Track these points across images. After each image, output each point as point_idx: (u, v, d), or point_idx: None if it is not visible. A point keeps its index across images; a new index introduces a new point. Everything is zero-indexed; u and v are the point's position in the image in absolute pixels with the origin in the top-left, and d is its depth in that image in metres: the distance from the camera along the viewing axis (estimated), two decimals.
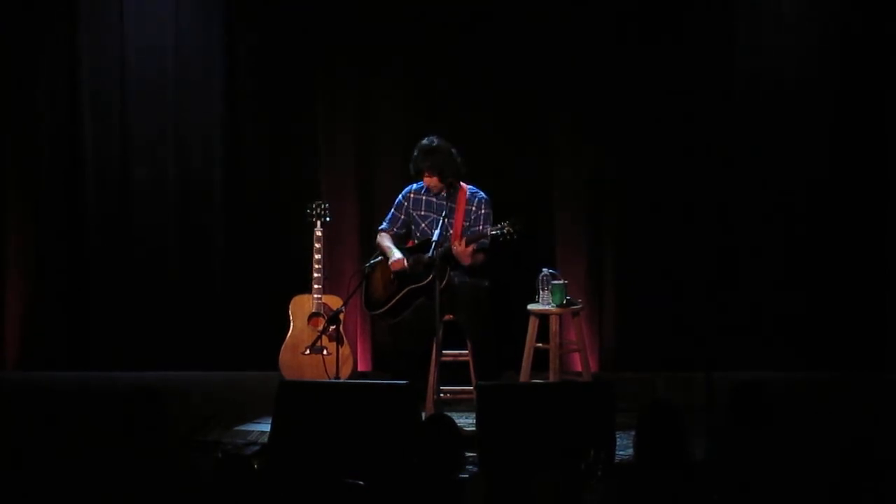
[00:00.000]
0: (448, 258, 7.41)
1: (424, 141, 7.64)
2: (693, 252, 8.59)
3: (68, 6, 8.98)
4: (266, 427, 6.62)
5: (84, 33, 8.97)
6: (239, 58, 8.98)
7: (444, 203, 7.51)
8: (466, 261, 7.42)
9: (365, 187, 8.92)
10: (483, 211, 7.62)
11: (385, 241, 7.70)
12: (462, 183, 7.67)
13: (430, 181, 7.62)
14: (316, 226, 8.02)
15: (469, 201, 7.63)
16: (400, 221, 7.76)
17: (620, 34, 8.69)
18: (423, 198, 7.72)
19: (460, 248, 7.37)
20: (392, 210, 7.81)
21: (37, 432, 5.18)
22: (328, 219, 8.07)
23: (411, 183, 7.82)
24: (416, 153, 7.62)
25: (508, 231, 7.31)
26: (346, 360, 7.77)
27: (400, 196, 7.80)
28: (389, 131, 8.90)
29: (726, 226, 8.65)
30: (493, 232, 7.35)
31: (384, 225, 7.81)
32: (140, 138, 9.01)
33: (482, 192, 7.68)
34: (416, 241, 7.69)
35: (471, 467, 5.78)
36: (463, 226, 7.59)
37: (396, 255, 7.57)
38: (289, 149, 8.99)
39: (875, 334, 8.59)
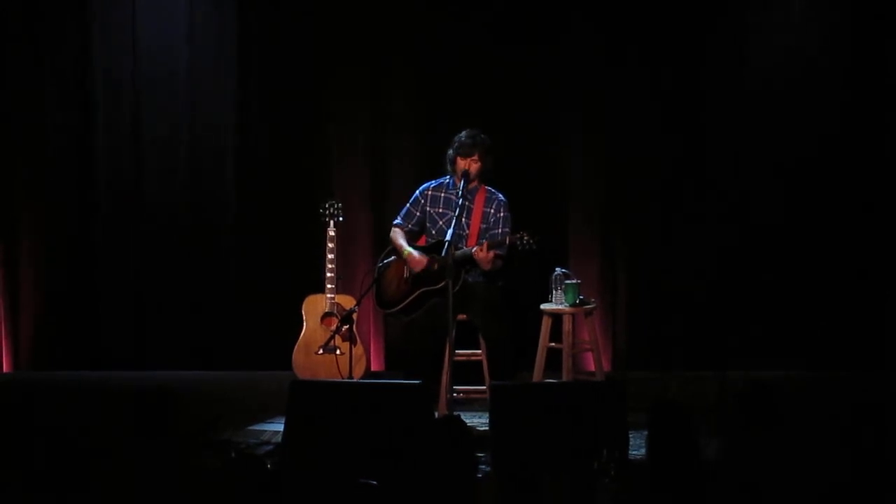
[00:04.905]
0: (465, 262, 7.38)
1: (470, 131, 7.58)
2: (704, 252, 8.61)
3: (80, 3, 9.01)
4: (279, 427, 6.62)
5: (96, 31, 9.01)
6: (252, 56, 9.00)
7: (461, 202, 7.47)
8: (487, 266, 7.37)
9: (378, 187, 8.94)
10: (502, 214, 7.59)
11: (399, 238, 7.66)
12: (482, 184, 7.65)
13: (472, 165, 7.54)
14: (329, 225, 8.03)
15: (487, 203, 7.60)
16: (415, 218, 7.72)
17: (634, 36, 8.70)
18: (442, 195, 7.68)
19: (482, 255, 7.32)
20: (408, 205, 7.76)
21: (49, 432, 5.18)
22: (341, 218, 8.08)
23: (425, 181, 7.80)
24: (464, 138, 7.54)
25: (528, 241, 7.29)
26: (359, 360, 7.78)
27: (417, 192, 7.75)
28: (402, 131, 8.92)
29: (737, 226, 8.65)
30: (515, 243, 7.32)
31: (399, 220, 7.75)
32: (152, 137, 9.05)
33: (501, 195, 7.64)
34: (429, 239, 7.67)
35: (483, 467, 5.79)
36: (480, 228, 7.56)
37: (417, 254, 7.55)
38: (302, 148, 9.01)
39: (878, 333, 8.60)
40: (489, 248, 7.32)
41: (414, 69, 8.91)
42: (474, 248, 7.35)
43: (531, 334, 7.84)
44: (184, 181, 9.07)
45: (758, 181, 8.69)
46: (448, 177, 7.69)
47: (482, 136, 7.56)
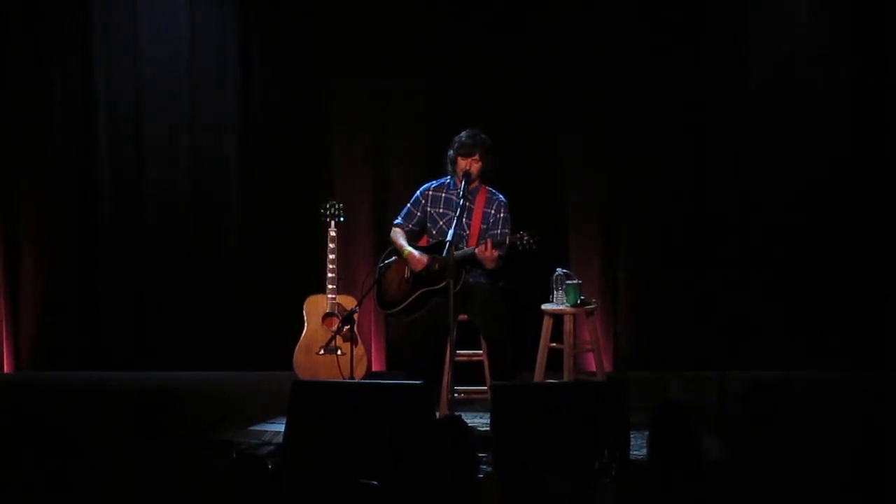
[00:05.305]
0: (466, 261, 7.38)
1: (470, 131, 7.58)
2: (706, 252, 8.61)
3: (80, 3, 9.01)
4: (280, 427, 6.62)
5: (97, 31, 9.01)
6: (253, 58, 9.01)
7: (461, 202, 7.47)
8: (490, 265, 7.36)
9: (379, 187, 8.94)
10: (502, 214, 7.57)
11: (400, 238, 7.65)
12: (483, 185, 7.65)
13: (473, 165, 7.53)
14: (330, 226, 8.03)
15: (488, 203, 7.59)
16: (416, 218, 7.71)
17: (635, 36, 8.71)
18: (443, 195, 7.67)
19: (486, 253, 7.32)
20: (408, 205, 7.75)
21: (49, 433, 5.19)
22: (342, 219, 8.07)
23: (426, 181, 7.79)
24: (464, 138, 7.53)
25: (528, 241, 7.28)
26: (360, 360, 7.78)
27: (418, 192, 7.74)
28: (404, 131, 8.93)
29: (738, 227, 8.66)
30: (515, 243, 7.31)
31: (399, 220, 7.74)
32: (152, 137, 9.04)
33: (501, 196, 7.63)
34: (430, 240, 7.66)
35: (485, 467, 5.79)
36: (480, 228, 7.55)
37: (417, 253, 7.54)
38: (302, 148, 9.01)
39: (878, 333, 8.61)
40: (493, 246, 7.31)
41: (414, 69, 8.91)
42: (477, 247, 7.35)
43: (532, 335, 7.84)
44: (184, 181, 9.06)
45: (758, 181, 8.69)
46: (449, 177, 7.68)
47: (482, 135, 7.56)
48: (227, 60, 9.01)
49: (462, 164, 7.54)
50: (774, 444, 5.02)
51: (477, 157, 7.53)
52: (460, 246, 7.40)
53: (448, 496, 4.74)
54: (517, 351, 7.55)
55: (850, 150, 8.63)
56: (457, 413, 6.75)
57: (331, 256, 7.98)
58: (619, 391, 6.24)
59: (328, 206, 8.07)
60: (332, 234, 8.03)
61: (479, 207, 7.58)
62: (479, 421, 7.24)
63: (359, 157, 8.98)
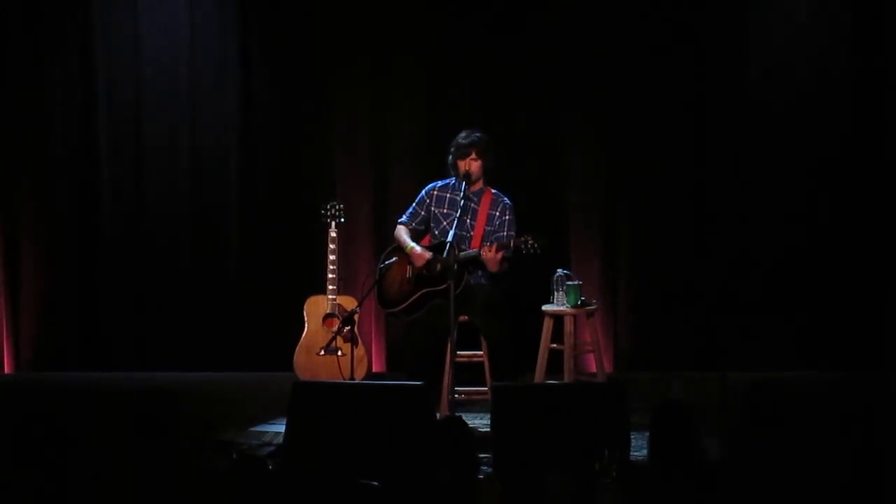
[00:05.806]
0: (469, 263, 7.37)
1: (466, 131, 7.58)
2: (706, 253, 8.61)
3: (81, 3, 9.01)
4: (281, 428, 6.62)
5: (97, 31, 9.02)
6: (253, 58, 9.01)
7: (466, 203, 7.47)
8: (494, 267, 7.35)
9: (379, 187, 8.94)
10: (507, 217, 7.56)
11: (403, 235, 7.64)
12: (488, 186, 7.64)
13: (472, 165, 7.52)
14: (330, 226, 8.03)
15: (493, 205, 7.58)
16: (420, 217, 7.70)
17: (635, 36, 8.70)
18: (447, 195, 7.66)
19: (490, 254, 7.31)
20: (413, 205, 7.74)
21: (50, 433, 5.19)
22: (343, 219, 8.07)
23: (429, 182, 7.79)
24: (461, 139, 7.53)
25: (532, 245, 7.27)
26: (360, 361, 7.77)
27: (423, 192, 7.74)
28: (405, 132, 8.93)
29: (739, 227, 8.65)
30: (520, 246, 7.29)
31: (403, 218, 7.73)
32: (152, 136, 9.04)
33: (506, 198, 7.62)
34: (432, 240, 7.66)
35: (485, 468, 5.79)
36: (485, 230, 7.54)
37: (419, 249, 7.52)
38: (303, 148, 9.01)
39: (878, 333, 8.61)
40: (497, 249, 7.30)
41: (414, 69, 8.91)
42: (481, 249, 7.34)
43: (533, 336, 7.83)
44: (184, 181, 9.06)
45: (757, 181, 8.69)
46: (454, 178, 7.67)
47: (477, 134, 7.55)
48: (227, 60, 9.02)
49: (461, 165, 7.54)
50: (774, 444, 5.02)
51: (473, 155, 7.52)
52: (463, 247, 7.40)
53: (448, 497, 4.74)
54: (518, 352, 7.55)
55: (850, 150, 8.62)
56: (457, 414, 6.75)
57: (331, 257, 7.98)
58: (620, 392, 6.24)
59: (328, 206, 8.06)
60: (333, 234, 8.02)
61: (483, 209, 7.57)
62: (479, 422, 7.24)
63: (359, 157, 8.98)
